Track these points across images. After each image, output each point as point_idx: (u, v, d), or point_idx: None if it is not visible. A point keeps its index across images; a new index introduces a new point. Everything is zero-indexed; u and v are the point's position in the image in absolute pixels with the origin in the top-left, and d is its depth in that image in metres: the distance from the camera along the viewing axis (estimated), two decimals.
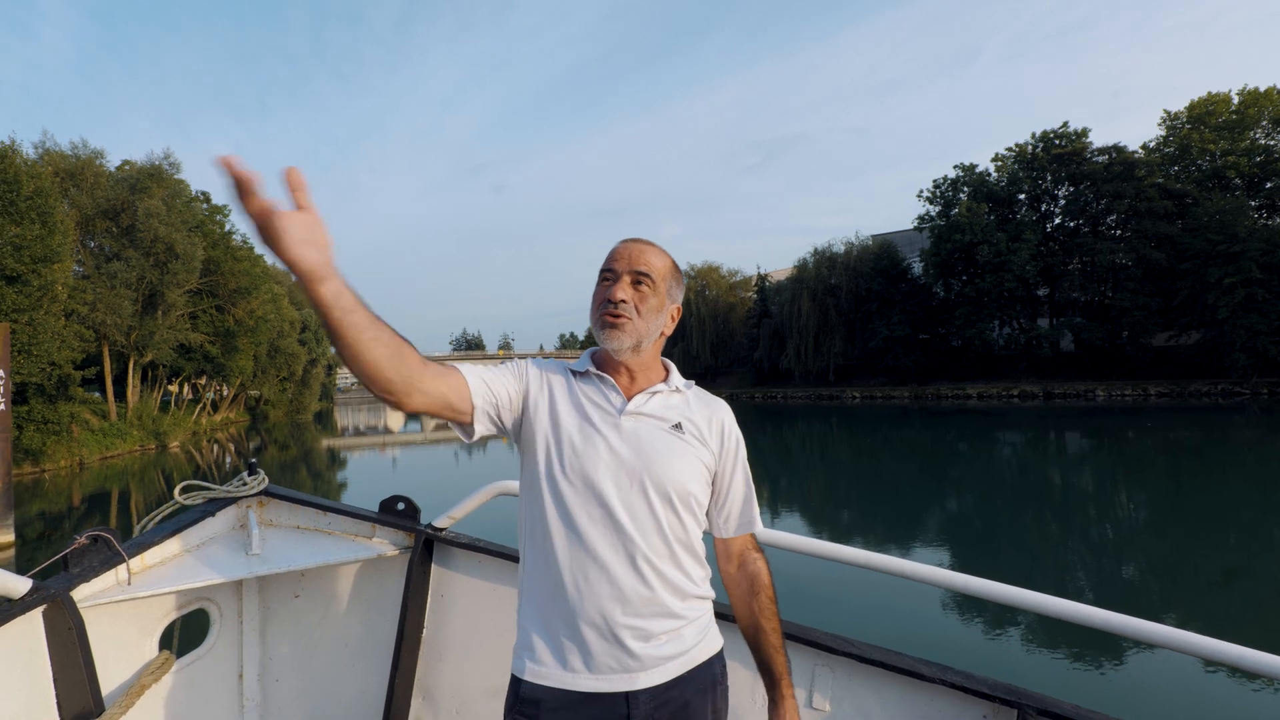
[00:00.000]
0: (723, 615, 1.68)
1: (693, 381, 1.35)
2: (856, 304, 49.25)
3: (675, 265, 1.29)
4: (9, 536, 11.04)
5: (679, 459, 1.19)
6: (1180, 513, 11.35)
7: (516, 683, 1.17)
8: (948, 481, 15.48)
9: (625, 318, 1.20)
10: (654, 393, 1.25)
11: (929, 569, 1.57)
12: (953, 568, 1.57)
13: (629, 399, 1.22)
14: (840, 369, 50.64)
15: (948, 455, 20.06)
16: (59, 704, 1.54)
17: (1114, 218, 41.10)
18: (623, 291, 1.21)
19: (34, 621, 1.52)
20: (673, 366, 1.34)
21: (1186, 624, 1.41)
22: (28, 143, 34.14)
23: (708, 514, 1.29)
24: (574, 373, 1.27)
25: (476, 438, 1.18)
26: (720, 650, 1.27)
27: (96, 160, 28.36)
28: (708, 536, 1.33)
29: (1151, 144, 41.78)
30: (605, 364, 1.28)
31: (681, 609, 1.18)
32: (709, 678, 1.21)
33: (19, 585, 1.48)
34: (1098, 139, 53.16)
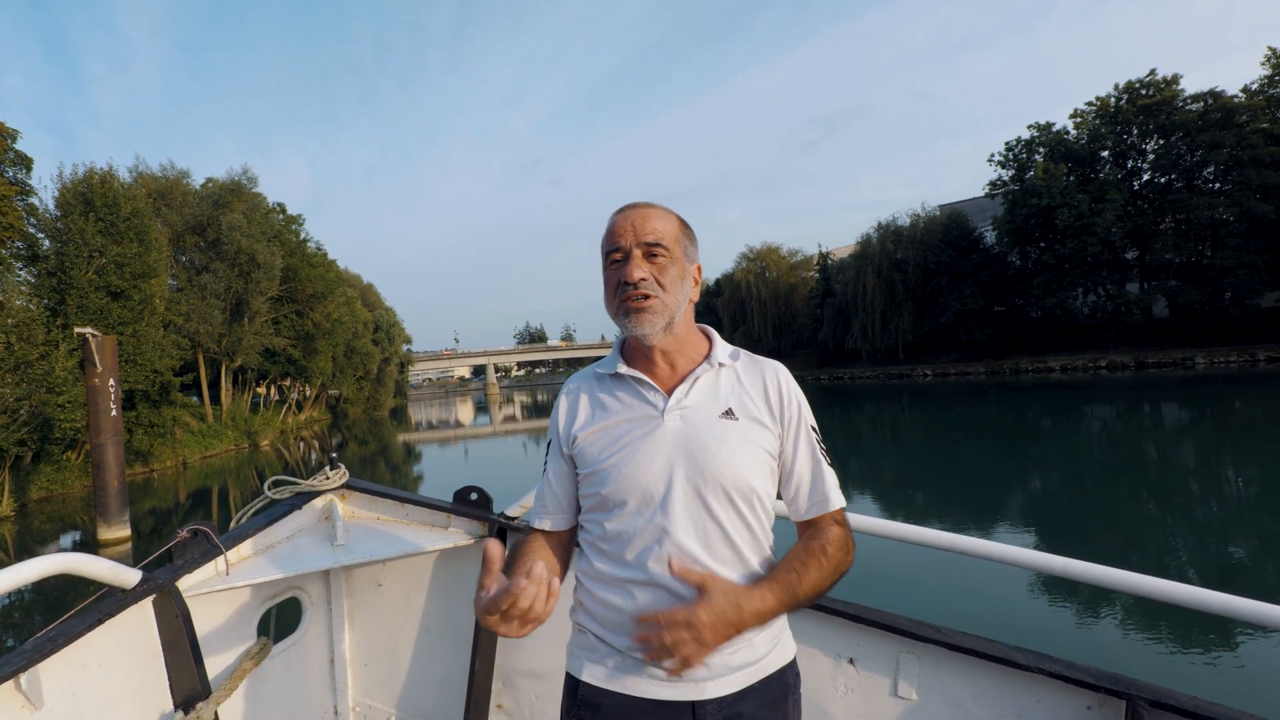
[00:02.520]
0: (850, 615, 1.62)
1: (739, 350, 1.19)
2: (925, 278, 47.26)
3: (683, 222, 1.16)
4: (125, 531, 12.07)
5: (733, 450, 1.07)
6: None
7: (574, 683, 1.12)
8: (1030, 460, 14.70)
9: (651, 297, 1.07)
10: (696, 378, 1.12)
11: (1014, 550, 1.48)
12: (1039, 549, 1.47)
13: (669, 393, 1.11)
14: (909, 346, 48.81)
15: (1029, 432, 19.04)
16: (171, 686, 1.65)
17: (1211, 170, 37.65)
18: (639, 269, 1.07)
19: (145, 610, 1.64)
20: (715, 335, 1.20)
21: None
22: (123, 167, 36.94)
23: (780, 497, 1.16)
24: (607, 376, 1.17)
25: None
26: (793, 659, 1.17)
27: (184, 180, 30.42)
28: (782, 525, 1.24)
29: (1255, 86, 38.00)
30: (637, 356, 1.16)
31: None
32: (780, 688, 1.12)
33: (130, 577, 1.59)
34: (1191, 86, 48.74)
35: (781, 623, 1.16)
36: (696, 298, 1.17)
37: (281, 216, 37.90)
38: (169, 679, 1.65)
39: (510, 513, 2.08)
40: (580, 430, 1.15)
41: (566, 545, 1.23)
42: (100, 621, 1.51)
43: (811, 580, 1.04)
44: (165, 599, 1.65)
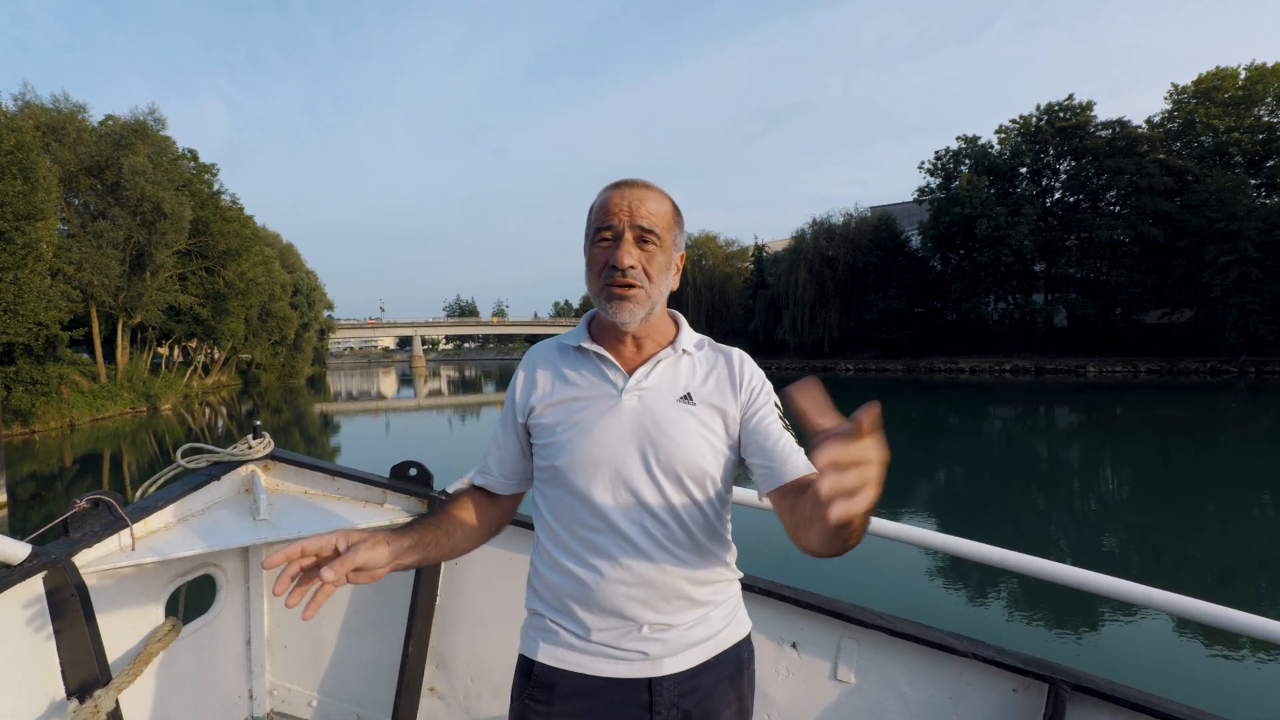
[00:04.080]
0: (750, 588, 1.64)
1: (705, 338, 1.19)
2: (853, 276, 49.06)
3: (675, 208, 1.13)
4: (0, 497, 10.99)
5: (688, 434, 1.06)
6: (1164, 487, 11.51)
7: (528, 664, 1.10)
8: (938, 454, 15.61)
9: (637, 287, 1.05)
10: (658, 361, 1.11)
11: (953, 540, 1.55)
12: (941, 533, 1.56)
13: (630, 374, 1.10)
14: (835, 341, 50.68)
15: (939, 428, 20.21)
16: (64, 672, 1.48)
17: (1114, 193, 40.80)
18: (629, 255, 1.04)
19: (35, 588, 1.46)
20: (683, 322, 1.18)
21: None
22: (5, 94, 33.24)
23: (754, 476, 1.12)
24: (571, 349, 1.15)
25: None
26: (748, 635, 1.18)
27: (79, 115, 27.57)
28: (741, 511, 1.25)
29: (1156, 119, 41.32)
30: (604, 334, 1.14)
31: (706, 594, 1.10)
32: (735, 662, 1.13)
33: (18, 550, 1.41)
34: (1110, 113, 52.60)
35: (736, 599, 1.18)
36: (676, 285, 1.15)
37: (193, 165, 35.06)
38: (61, 665, 1.48)
39: (452, 490, 1.98)
40: (538, 401, 1.14)
41: (499, 510, 1.24)
42: None
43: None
44: (59, 575, 1.47)
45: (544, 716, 1.06)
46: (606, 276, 1.05)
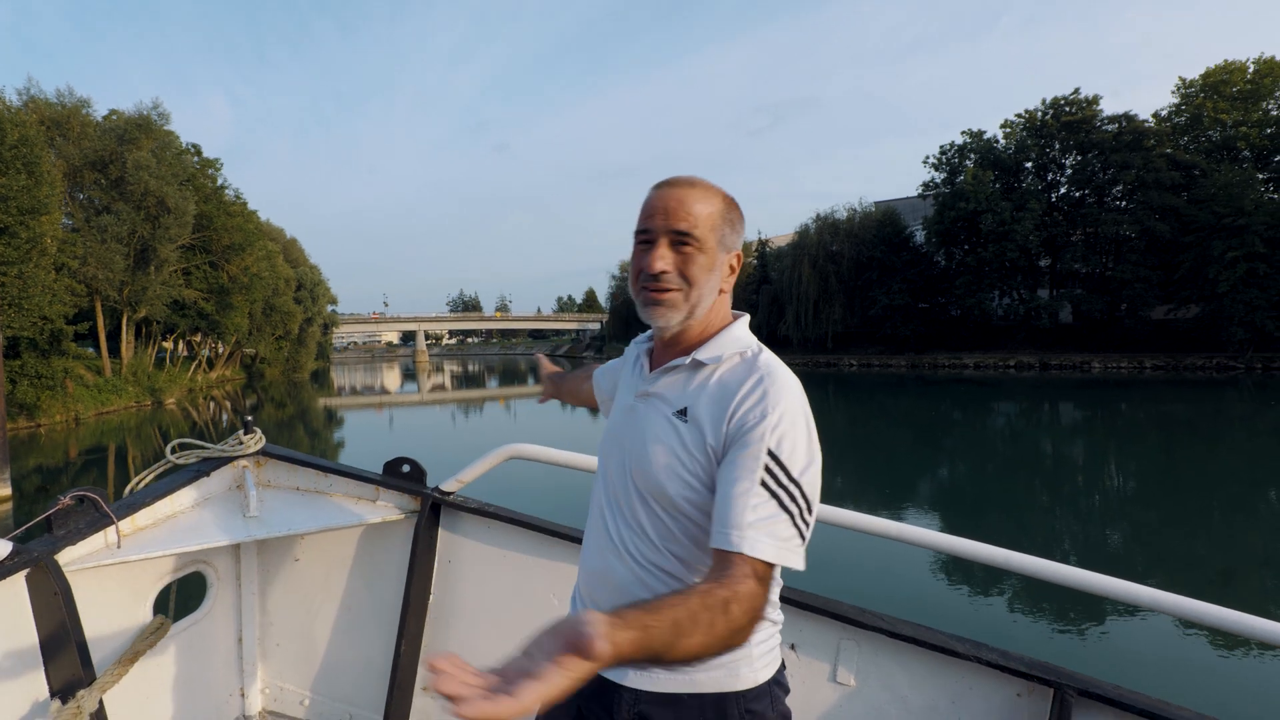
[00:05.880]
0: (793, 601, 1.59)
1: (748, 348, 1.04)
2: (857, 271, 48.86)
3: (728, 204, 1.05)
4: (5, 490, 11.04)
5: (661, 455, 0.99)
6: (1169, 484, 11.44)
7: None
8: (941, 450, 15.56)
9: (672, 290, 1.00)
10: (669, 369, 1.06)
11: (953, 539, 1.51)
12: (943, 533, 1.51)
13: (650, 379, 1.10)
14: (838, 336, 50.51)
15: (943, 424, 20.14)
16: (47, 673, 1.46)
17: (1120, 188, 40.51)
18: (662, 260, 1.00)
19: (16, 586, 1.44)
20: (733, 328, 1.07)
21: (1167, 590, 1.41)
22: (10, 88, 33.26)
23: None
24: (637, 345, 1.20)
25: None
26: (751, 690, 1.00)
27: (83, 109, 27.59)
28: None
29: (1164, 113, 40.96)
30: (656, 337, 1.14)
31: None
32: (716, 713, 0.98)
33: None
34: (1117, 107, 52.07)
35: (746, 648, 0.98)
36: (730, 287, 1.08)
37: (197, 159, 35.09)
38: (44, 665, 1.46)
39: (446, 487, 1.95)
40: (617, 386, 1.23)
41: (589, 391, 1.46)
42: None
43: (696, 642, 0.75)
44: (41, 574, 1.45)
45: None
46: (642, 281, 1.03)
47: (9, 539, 1.43)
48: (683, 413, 1.01)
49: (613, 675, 1.03)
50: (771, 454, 0.91)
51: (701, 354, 1.04)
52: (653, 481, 1.00)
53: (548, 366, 1.70)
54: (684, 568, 1.01)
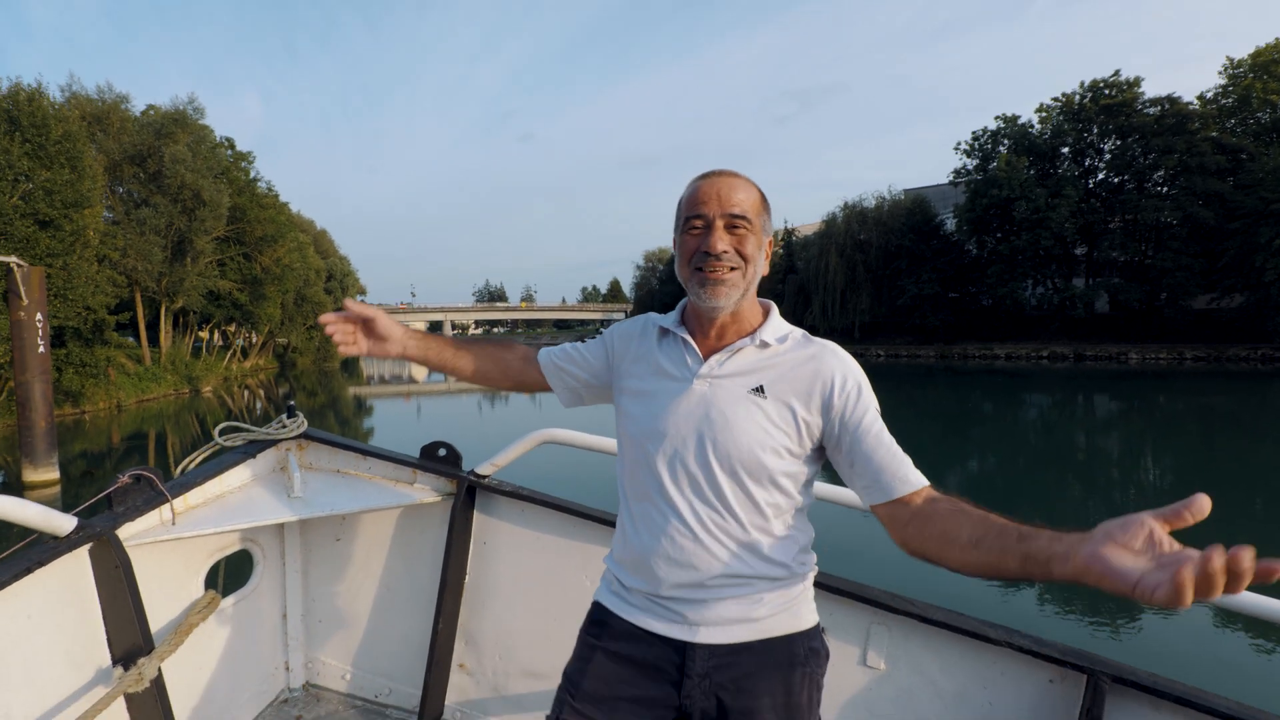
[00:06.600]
0: (823, 585, 1.60)
1: (796, 330, 1.17)
2: (885, 260, 48.09)
3: (763, 195, 1.15)
4: (53, 474, 11.49)
5: (751, 427, 1.07)
6: (1209, 476, 11.11)
7: (595, 606, 1.24)
8: (971, 441, 15.31)
9: (733, 269, 1.08)
10: (735, 350, 1.12)
11: None
12: None
13: (706, 359, 1.13)
14: (866, 326, 49.86)
15: (973, 415, 19.80)
16: (109, 641, 1.54)
17: (1161, 173, 39.10)
18: (721, 240, 1.07)
19: (81, 559, 1.52)
20: (773, 311, 1.19)
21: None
22: (54, 85, 34.23)
23: (856, 486, 1.10)
24: (662, 329, 1.21)
25: (570, 406, 1.36)
26: (810, 629, 1.15)
27: (122, 104, 28.31)
28: (823, 508, 1.26)
29: (1209, 94, 39.37)
30: (693, 319, 1.17)
31: (753, 581, 1.09)
32: (786, 655, 1.11)
33: (64, 523, 1.46)
34: (1159, 89, 50.20)
35: (796, 593, 1.14)
36: (766, 271, 1.16)
37: (230, 152, 35.79)
38: (107, 633, 1.54)
39: (481, 471, 2.00)
40: (630, 365, 1.22)
41: (524, 378, 1.34)
42: (29, 570, 1.39)
43: (1010, 523, 0.93)
44: (104, 548, 1.52)
45: (594, 647, 1.17)
46: (698, 262, 1.09)
47: (73, 514, 1.51)
48: (759, 390, 1.09)
49: (683, 634, 1.10)
50: (872, 413, 1.09)
51: (767, 335, 1.13)
52: (746, 455, 1.06)
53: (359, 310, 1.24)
54: (755, 537, 1.09)
